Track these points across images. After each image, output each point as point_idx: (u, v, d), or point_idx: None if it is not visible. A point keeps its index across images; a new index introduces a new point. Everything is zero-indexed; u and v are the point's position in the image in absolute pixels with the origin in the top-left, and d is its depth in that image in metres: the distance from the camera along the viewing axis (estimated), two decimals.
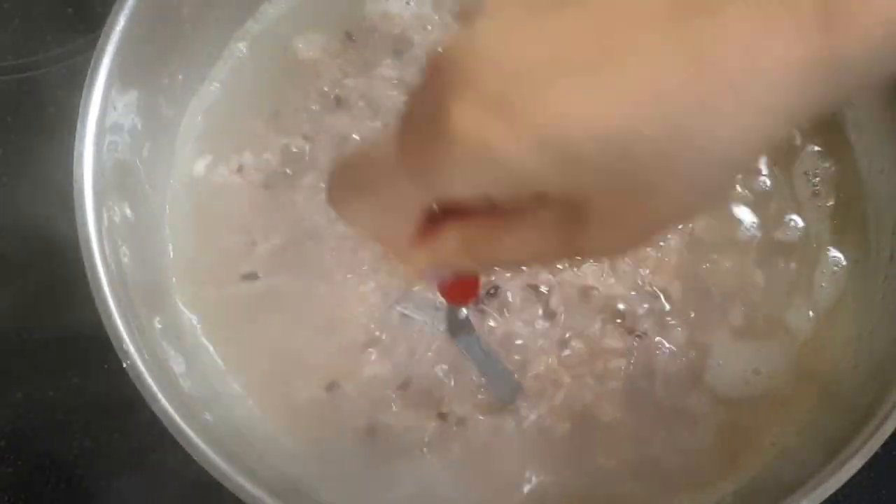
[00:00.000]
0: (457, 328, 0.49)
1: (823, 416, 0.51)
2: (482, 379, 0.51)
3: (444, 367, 0.52)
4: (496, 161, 0.26)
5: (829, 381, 0.52)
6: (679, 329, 0.53)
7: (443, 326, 0.50)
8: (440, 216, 0.31)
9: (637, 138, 0.25)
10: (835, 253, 0.55)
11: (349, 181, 0.32)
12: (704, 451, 0.51)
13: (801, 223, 0.55)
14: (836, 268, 0.54)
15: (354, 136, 0.56)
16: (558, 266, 0.51)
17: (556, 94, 0.25)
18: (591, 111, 0.25)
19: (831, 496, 0.43)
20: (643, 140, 0.25)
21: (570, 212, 0.28)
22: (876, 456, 0.43)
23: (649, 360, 0.52)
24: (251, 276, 0.54)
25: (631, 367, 0.52)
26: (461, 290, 0.41)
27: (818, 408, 0.51)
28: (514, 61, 0.26)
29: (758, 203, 0.55)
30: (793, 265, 0.54)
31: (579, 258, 0.30)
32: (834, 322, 0.53)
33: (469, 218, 0.31)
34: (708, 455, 0.51)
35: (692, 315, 0.53)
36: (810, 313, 0.54)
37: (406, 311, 0.52)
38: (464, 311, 0.48)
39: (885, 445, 0.44)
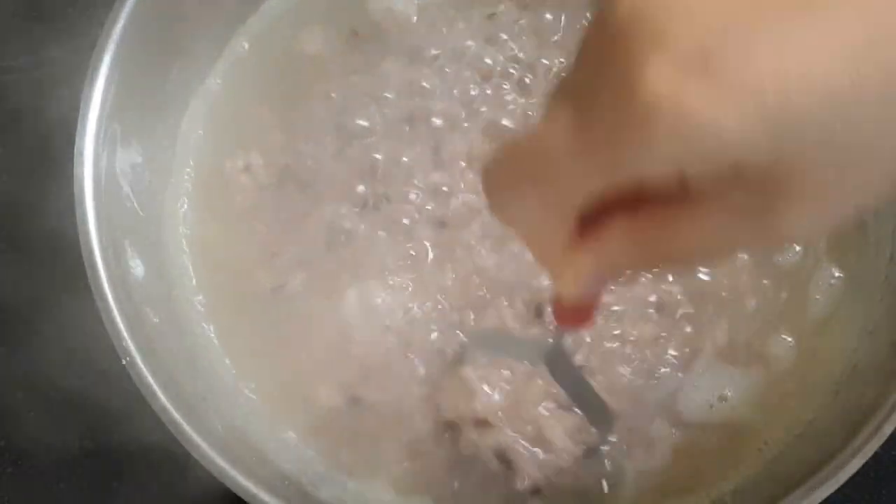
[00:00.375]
0: (557, 360, 0.45)
1: (823, 417, 0.51)
2: (578, 412, 0.49)
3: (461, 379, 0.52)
4: (700, 127, 0.23)
5: (828, 384, 0.52)
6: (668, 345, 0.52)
7: (532, 361, 0.48)
8: (597, 216, 0.28)
9: (860, 90, 0.22)
10: (833, 256, 0.54)
11: (505, 175, 0.29)
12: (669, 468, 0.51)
13: (798, 257, 0.54)
14: (833, 280, 0.54)
15: (358, 130, 0.56)
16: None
17: (764, 45, 0.22)
18: (809, 62, 0.22)
19: (831, 496, 0.42)
20: (866, 91, 0.22)
21: (768, 188, 0.24)
22: (876, 456, 0.43)
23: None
24: (259, 278, 0.54)
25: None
26: (582, 311, 0.37)
27: (818, 408, 0.51)
28: (709, 10, 0.23)
29: None
30: (788, 282, 0.54)
31: (768, 245, 0.27)
32: (831, 327, 0.53)
33: (636, 209, 0.27)
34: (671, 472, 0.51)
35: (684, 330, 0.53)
36: (790, 340, 0.53)
37: (479, 351, 0.50)
38: (569, 338, 0.44)
39: (884, 445, 0.44)
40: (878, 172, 0.24)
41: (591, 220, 0.28)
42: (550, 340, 0.45)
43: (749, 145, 0.23)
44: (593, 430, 0.49)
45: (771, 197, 0.25)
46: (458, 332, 0.52)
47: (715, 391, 0.51)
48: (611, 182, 0.26)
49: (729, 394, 0.51)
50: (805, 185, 0.24)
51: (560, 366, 0.46)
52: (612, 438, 0.50)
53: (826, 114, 0.22)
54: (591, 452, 0.50)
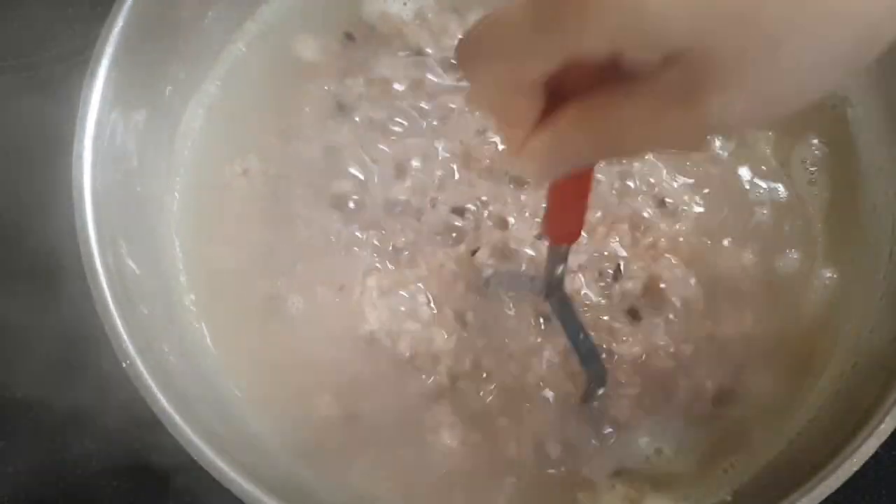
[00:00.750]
0: (553, 287, 0.48)
1: (823, 417, 0.51)
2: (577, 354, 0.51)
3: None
4: (631, 8, 0.26)
5: (829, 382, 0.52)
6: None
7: (537, 294, 0.50)
8: (554, 107, 0.31)
9: None
10: (830, 258, 0.55)
11: (480, 46, 0.32)
12: None
13: (796, 255, 0.55)
14: (828, 279, 0.54)
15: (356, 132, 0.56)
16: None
17: None
18: None
19: (831, 496, 0.43)
20: None
21: (693, 75, 0.28)
22: (876, 456, 0.43)
23: None
24: (254, 282, 0.54)
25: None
26: (568, 221, 0.40)
27: (818, 408, 0.51)
28: None
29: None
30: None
31: (699, 136, 0.30)
32: (829, 328, 0.53)
33: (587, 99, 0.31)
34: None
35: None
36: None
37: (498, 288, 0.52)
38: (560, 268, 0.47)
39: (884, 445, 0.44)
40: (787, 67, 0.28)
41: (550, 110, 0.32)
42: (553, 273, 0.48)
43: (671, 25, 0.26)
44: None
45: (698, 84, 0.28)
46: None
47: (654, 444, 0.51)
48: (559, 57, 0.29)
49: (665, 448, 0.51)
50: (721, 72, 0.27)
51: (562, 308, 0.49)
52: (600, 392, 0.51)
53: (741, 5, 0.26)
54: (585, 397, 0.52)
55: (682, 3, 0.26)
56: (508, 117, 0.33)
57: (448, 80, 0.57)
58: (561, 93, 0.31)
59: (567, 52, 0.29)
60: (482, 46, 0.31)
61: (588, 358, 0.51)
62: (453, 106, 0.56)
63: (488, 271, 0.53)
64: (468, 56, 0.32)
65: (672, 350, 0.52)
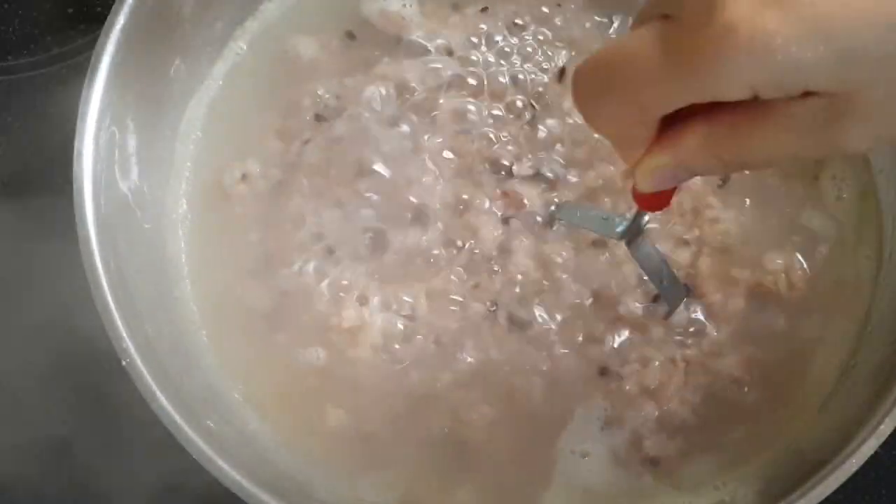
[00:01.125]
0: (635, 234, 0.48)
1: (822, 417, 0.51)
2: (655, 287, 0.51)
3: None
4: (772, 50, 0.25)
5: (829, 382, 0.52)
6: None
7: (611, 235, 0.50)
8: (679, 116, 0.30)
9: None
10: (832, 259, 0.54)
11: (595, 79, 0.31)
12: None
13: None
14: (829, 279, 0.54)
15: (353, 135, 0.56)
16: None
17: None
18: None
19: (831, 496, 0.43)
20: None
21: (832, 105, 0.27)
22: (876, 456, 0.43)
23: None
24: (255, 285, 0.54)
25: None
26: (661, 196, 0.39)
27: (817, 408, 0.51)
28: None
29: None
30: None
31: (828, 154, 0.30)
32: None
33: (715, 115, 0.30)
34: None
35: None
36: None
37: (566, 221, 0.52)
38: (646, 216, 0.47)
39: (884, 445, 0.44)
40: None
41: (671, 122, 0.30)
42: (628, 216, 0.48)
43: (816, 69, 0.26)
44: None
45: (837, 114, 0.27)
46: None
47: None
48: (690, 100, 0.28)
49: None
50: (871, 107, 0.26)
51: (637, 243, 0.49)
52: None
53: (888, 42, 0.25)
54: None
55: (827, 46, 0.25)
56: (624, 143, 0.33)
57: (448, 76, 0.57)
58: (678, 113, 0.30)
59: (700, 97, 0.28)
60: (603, 84, 0.31)
61: (671, 296, 0.51)
62: (454, 105, 0.56)
63: (552, 205, 0.53)
64: (587, 92, 0.31)
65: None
